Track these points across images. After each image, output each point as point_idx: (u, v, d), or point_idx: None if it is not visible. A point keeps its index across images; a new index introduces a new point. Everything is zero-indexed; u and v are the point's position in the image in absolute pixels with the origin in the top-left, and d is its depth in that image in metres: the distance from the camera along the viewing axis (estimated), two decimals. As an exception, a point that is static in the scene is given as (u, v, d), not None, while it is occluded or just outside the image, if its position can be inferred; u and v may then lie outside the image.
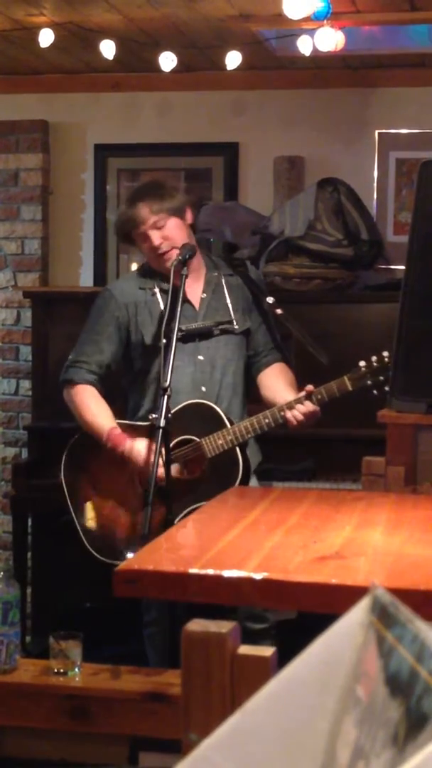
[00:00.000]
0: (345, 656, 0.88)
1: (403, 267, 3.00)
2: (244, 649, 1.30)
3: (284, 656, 1.05)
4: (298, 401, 3.25)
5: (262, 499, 2.47)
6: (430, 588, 1.63)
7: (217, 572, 1.71)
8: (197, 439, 3.27)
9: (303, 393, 3.27)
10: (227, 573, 1.71)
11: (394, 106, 4.86)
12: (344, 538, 1.97)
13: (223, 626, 1.30)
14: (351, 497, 2.55)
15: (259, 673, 1.27)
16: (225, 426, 3.26)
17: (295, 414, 3.24)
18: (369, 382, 3.24)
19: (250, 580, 1.69)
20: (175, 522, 2.95)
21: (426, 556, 1.86)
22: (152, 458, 3.11)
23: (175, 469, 3.19)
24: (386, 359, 3.21)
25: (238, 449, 3.26)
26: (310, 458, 4.28)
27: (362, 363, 3.25)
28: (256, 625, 3.43)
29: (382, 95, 4.89)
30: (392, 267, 4.60)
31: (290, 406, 3.25)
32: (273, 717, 0.88)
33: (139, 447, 3.28)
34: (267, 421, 3.24)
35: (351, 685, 0.87)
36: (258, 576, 1.69)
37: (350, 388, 3.24)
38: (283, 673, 0.90)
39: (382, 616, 0.86)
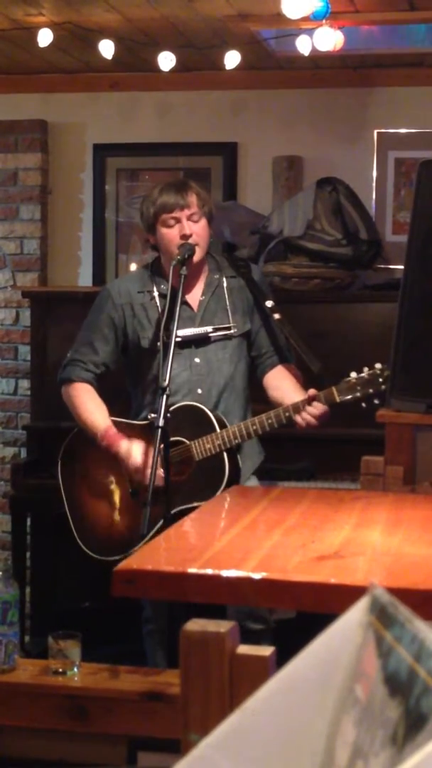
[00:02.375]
0: (344, 656, 0.88)
1: (402, 267, 3.00)
2: (243, 649, 1.30)
3: (283, 656, 1.05)
4: (305, 404, 3.23)
5: (261, 498, 2.47)
6: (429, 588, 1.63)
7: (216, 572, 1.71)
8: (187, 441, 3.27)
9: (306, 398, 3.25)
10: (226, 573, 1.71)
11: (393, 106, 4.86)
12: (343, 537, 1.97)
13: (222, 626, 1.30)
14: (350, 497, 2.54)
15: (258, 672, 1.27)
16: (215, 430, 3.25)
17: (306, 417, 3.22)
18: (358, 394, 3.20)
19: (249, 580, 1.69)
20: (161, 522, 2.95)
21: (425, 555, 1.86)
22: (149, 459, 3.12)
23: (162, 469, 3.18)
24: (378, 371, 3.18)
25: (225, 454, 3.25)
26: (309, 458, 4.28)
27: (353, 374, 3.22)
28: (255, 625, 3.43)
29: (381, 95, 4.89)
30: (391, 267, 4.60)
31: (297, 408, 3.24)
32: (272, 716, 0.88)
33: (135, 450, 3.28)
34: (255, 427, 3.23)
35: (350, 685, 0.87)
36: (257, 576, 1.69)
37: (337, 399, 3.22)
38: (282, 673, 0.90)
39: (381, 615, 0.86)
